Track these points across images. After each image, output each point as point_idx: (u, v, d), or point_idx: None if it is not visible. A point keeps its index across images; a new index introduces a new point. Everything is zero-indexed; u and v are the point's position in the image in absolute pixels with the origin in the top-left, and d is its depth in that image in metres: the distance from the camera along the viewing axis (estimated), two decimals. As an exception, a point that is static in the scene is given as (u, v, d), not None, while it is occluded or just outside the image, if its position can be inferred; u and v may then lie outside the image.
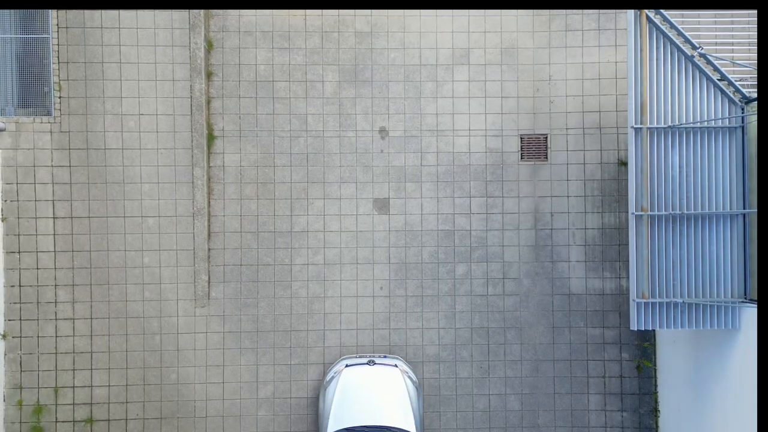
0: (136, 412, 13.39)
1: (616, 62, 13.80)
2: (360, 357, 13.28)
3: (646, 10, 10.69)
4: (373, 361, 12.89)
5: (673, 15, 12.39)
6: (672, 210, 10.82)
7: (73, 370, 13.34)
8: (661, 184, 10.86)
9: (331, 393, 12.51)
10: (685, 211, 10.76)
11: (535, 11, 13.84)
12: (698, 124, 10.79)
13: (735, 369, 10.80)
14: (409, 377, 12.86)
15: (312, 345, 13.55)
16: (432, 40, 13.83)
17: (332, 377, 12.79)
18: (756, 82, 10.39)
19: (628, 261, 13.63)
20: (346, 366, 12.76)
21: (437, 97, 13.81)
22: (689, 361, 12.24)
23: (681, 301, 10.72)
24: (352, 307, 13.67)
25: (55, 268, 13.35)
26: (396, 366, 12.77)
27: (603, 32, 13.85)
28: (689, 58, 10.80)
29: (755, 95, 10.49)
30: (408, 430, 12.19)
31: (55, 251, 13.35)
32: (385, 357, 13.28)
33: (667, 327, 10.83)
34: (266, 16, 13.73)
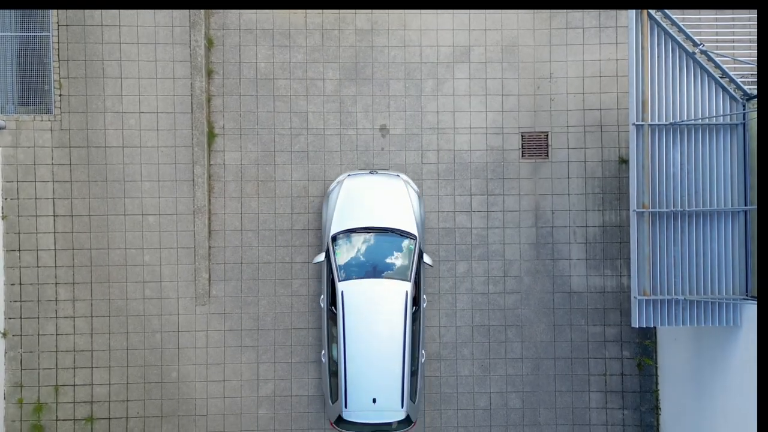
0: (136, 410, 13.38)
1: (617, 60, 13.78)
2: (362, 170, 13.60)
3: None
4: (375, 171, 13.27)
5: (674, 12, 12.38)
6: (673, 207, 10.80)
7: (74, 368, 13.33)
8: (662, 181, 10.84)
9: (333, 199, 12.81)
10: (687, 208, 10.74)
11: (536, 9, 13.83)
12: (699, 121, 10.77)
13: (736, 366, 10.78)
14: (411, 187, 13.11)
15: (313, 343, 13.53)
16: (432, 37, 13.82)
17: (335, 186, 13.05)
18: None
19: (628, 259, 13.61)
20: (349, 175, 13.05)
21: (438, 95, 13.79)
22: (690, 359, 12.23)
23: (682, 298, 10.71)
24: (352, 305, 13.64)
25: (56, 266, 13.33)
26: (398, 176, 13.12)
27: (604, 30, 13.83)
28: (690, 55, 10.78)
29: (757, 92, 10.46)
30: (410, 231, 12.39)
31: (55, 249, 13.34)
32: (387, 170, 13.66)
33: (668, 324, 10.80)
34: (267, 13, 13.72)
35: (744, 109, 10.81)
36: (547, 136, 13.83)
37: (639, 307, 10.79)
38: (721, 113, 10.82)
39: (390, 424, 12.17)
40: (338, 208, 12.58)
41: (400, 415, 12.08)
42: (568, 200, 13.77)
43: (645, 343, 13.61)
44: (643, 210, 10.75)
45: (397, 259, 12.41)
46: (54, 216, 13.36)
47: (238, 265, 13.52)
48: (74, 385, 13.33)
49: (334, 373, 12.33)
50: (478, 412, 13.62)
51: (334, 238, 12.44)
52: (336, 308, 12.18)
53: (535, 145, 13.83)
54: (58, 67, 13.38)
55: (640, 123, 10.72)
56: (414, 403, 12.36)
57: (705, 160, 10.86)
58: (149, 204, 13.47)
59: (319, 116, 13.68)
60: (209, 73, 13.63)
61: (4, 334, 13.23)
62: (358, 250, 12.40)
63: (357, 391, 12.00)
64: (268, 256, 13.55)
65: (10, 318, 13.26)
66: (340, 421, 12.25)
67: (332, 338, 12.37)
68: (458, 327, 13.66)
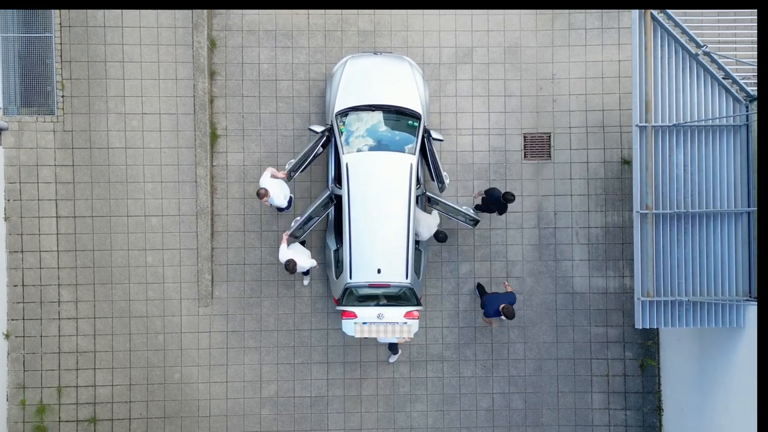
0: (139, 411, 13.38)
1: (619, 61, 13.80)
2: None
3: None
4: (379, 52, 13.26)
5: (676, 13, 12.38)
6: (677, 208, 10.81)
7: (77, 369, 13.32)
8: (665, 182, 10.84)
9: (337, 78, 12.72)
10: (690, 210, 10.75)
11: (538, 9, 13.84)
12: (703, 123, 10.78)
13: (739, 367, 10.80)
14: (416, 69, 13.08)
15: (315, 344, 13.53)
16: (435, 38, 13.82)
17: (338, 67, 12.99)
18: (761, 81, 10.36)
19: (631, 259, 13.63)
20: (352, 56, 13.00)
21: (440, 96, 13.80)
22: (693, 360, 12.24)
23: (686, 299, 10.72)
24: (355, 306, 13.62)
25: (58, 268, 13.32)
26: (403, 57, 13.09)
27: (606, 31, 13.85)
28: (694, 57, 10.79)
29: (760, 93, 10.46)
30: (414, 109, 12.43)
31: (58, 251, 13.33)
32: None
33: (672, 325, 10.82)
34: (269, 14, 13.72)
35: (747, 111, 10.83)
36: (549, 137, 13.84)
37: (642, 308, 10.80)
38: (725, 115, 10.84)
39: (400, 290, 12.15)
40: (342, 86, 12.48)
41: (405, 287, 12.11)
42: (571, 201, 13.78)
43: (647, 343, 13.63)
44: (647, 211, 10.76)
45: (402, 135, 12.33)
46: (56, 217, 13.35)
47: (240, 266, 13.52)
48: (77, 387, 13.32)
49: (338, 249, 12.44)
50: (480, 413, 13.63)
51: (338, 116, 12.39)
52: (341, 182, 12.17)
53: (538, 146, 13.84)
54: (61, 68, 13.38)
55: (644, 124, 10.73)
56: (419, 278, 12.43)
57: (708, 162, 10.87)
58: (152, 205, 13.46)
59: (321, 117, 13.68)
60: (212, 75, 13.62)
61: (7, 336, 13.22)
62: (363, 126, 12.32)
63: (362, 261, 11.96)
64: (271, 257, 13.54)
65: (12, 319, 13.25)
66: (344, 294, 12.26)
67: (337, 214, 12.42)
68: (461, 328, 13.67)
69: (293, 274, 11.69)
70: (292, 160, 12.43)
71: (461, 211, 12.46)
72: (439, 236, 12.47)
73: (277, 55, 13.70)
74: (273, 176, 11.91)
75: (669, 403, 13.30)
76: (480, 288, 13.36)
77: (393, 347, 13.30)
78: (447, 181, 12.78)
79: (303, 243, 12.99)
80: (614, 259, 13.75)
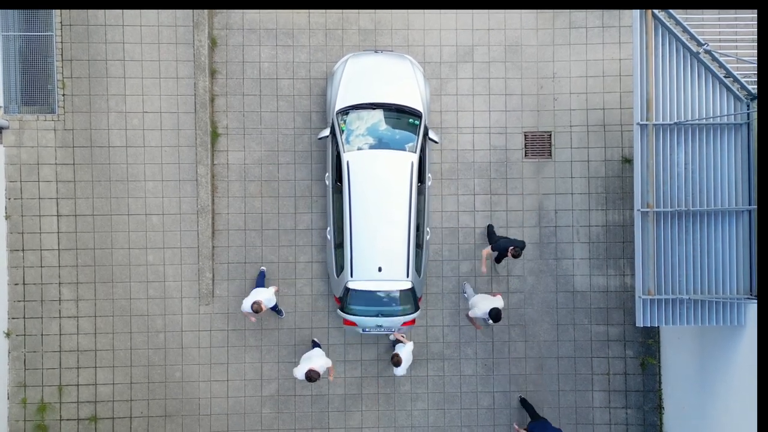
0: (140, 410, 13.38)
1: (620, 59, 13.79)
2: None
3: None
4: (380, 51, 13.25)
5: (678, 11, 12.39)
6: (678, 206, 10.81)
7: (77, 368, 13.32)
8: (666, 180, 10.85)
9: (338, 77, 12.73)
10: (691, 208, 10.75)
11: (539, 9, 13.83)
12: (704, 121, 10.78)
13: (740, 365, 10.80)
14: (417, 67, 13.07)
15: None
16: (436, 37, 13.82)
17: (339, 65, 13.00)
18: (762, 79, 10.35)
19: (631, 258, 13.63)
20: (353, 55, 13.01)
21: (441, 95, 13.79)
22: (694, 358, 12.24)
23: (687, 297, 10.72)
24: (356, 304, 13.63)
25: (59, 266, 13.33)
26: (404, 56, 13.09)
27: (607, 29, 13.85)
28: (695, 55, 10.79)
29: (761, 92, 10.46)
30: (415, 107, 12.45)
31: (59, 249, 13.33)
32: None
33: (673, 324, 10.82)
34: (270, 13, 13.72)
35: (748, 109, 10.83)
36: (550, 135, 13.84)
37: (644, 306, 10.80)
38: (726, 113, 10.84)
39: (396, 296, 12.12)
40: (343, 85, 12.50)
41: (406, 285, 12.12)
42: (572, 200, 13.78)
43: (648, 342, 13.63)
44: (648, 209, 10.76)
45: (403, 133, 12.35)
46: (57, 216, 13.35)
47: (241, 264, 13.52)
48: (78, 385, 13.32)
49: (339, 245, 12.38)
50: (481, 412, 13.63)
51: (340, 114, 12.39)
52: (342, 180, 12.16)
53: (539, 145, 13.84)
54: (62, 66, 13.38)
55: (645, 123, 10.73)
56: (419, 276, 12.44)
57: (709, 160, 10.87)
58: (153, 204, 13.46)
59: (322, 116, 13.68)
60: (212, 73, 13.62)
61: (8, 334, 13.22)
62: (364, 125, 12.34)
63: (363, 259, 12.02)
64: (272, 255, 13.55)
65: (13, 318, 13.25)
66: (345, 293, 12.24)
67: (338, 213, 12.40)
68: (462, 327, 13.67)
69: (314, 382, 11.63)
70: (327, 174, 12.46)
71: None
72: (493, 313, 12.02)
73: (278, 54, 13.70)
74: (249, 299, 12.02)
75: (670, 402, 13.30)
76: (524, 403, 13.26)
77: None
78: (429, 183, 12.85)
79: (319, 345, 13.11)
80: (615, 257, 13.75)
